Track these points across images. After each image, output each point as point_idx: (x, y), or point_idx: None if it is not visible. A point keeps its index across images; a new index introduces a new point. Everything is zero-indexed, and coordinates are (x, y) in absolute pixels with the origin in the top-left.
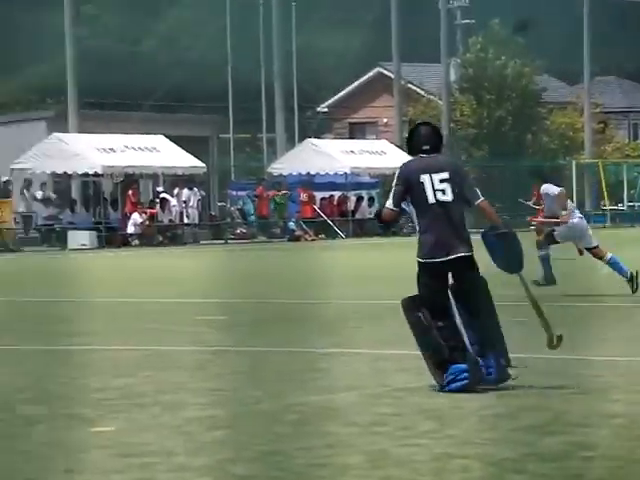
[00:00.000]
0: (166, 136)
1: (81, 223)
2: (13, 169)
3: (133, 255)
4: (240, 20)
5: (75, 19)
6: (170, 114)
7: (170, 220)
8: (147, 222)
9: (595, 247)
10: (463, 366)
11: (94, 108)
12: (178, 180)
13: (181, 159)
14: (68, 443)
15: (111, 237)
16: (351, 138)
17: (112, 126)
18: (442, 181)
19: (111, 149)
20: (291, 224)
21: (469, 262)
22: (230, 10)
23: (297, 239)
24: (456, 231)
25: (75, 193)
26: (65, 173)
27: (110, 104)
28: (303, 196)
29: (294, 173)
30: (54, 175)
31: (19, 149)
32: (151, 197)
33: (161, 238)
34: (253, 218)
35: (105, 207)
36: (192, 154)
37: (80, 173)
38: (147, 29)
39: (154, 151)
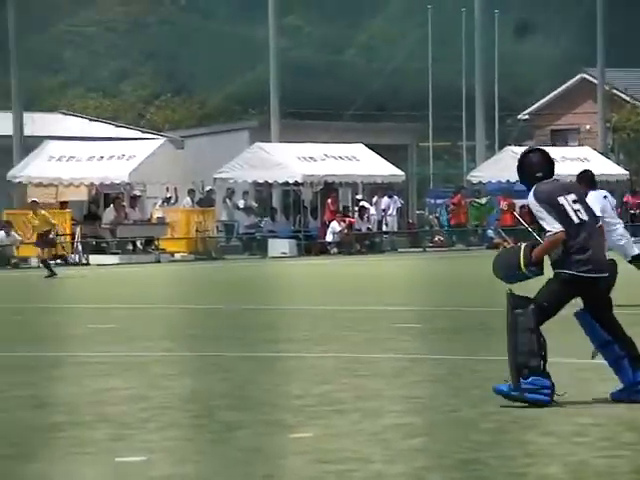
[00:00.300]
0: (366, 145)
1: (281, 231)
2: (216, 178)
3: (332, 263)
4: (441, 29)
5: (279, 30)
6: (370, 123)
7: (368, 228)
8: (346, 230)
9: None
10: (547, 382)
11: (295, 118)
12: (377, 188)
13: (380, 167)
14: (267, 449)
15: (310, 245)
16: (553, 145)
17: (312, 135)
18: (575, 202)
19: (311, 158)
20: (490, 232)
21: (608, 282)
22: (432, 19)
23: (496, 247)
24: (602, 250)
25: (276, 202)
26: (266, 182)
27: (311, 114)
28: (503, 204)
29: (493, 181)
30: (256, 184)
31: (222, 159)
32: (350, 205)
33: (359, 246)
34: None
35: (305, 215)
36: (391, 162)
37: (281, 182)
38: (349, 39)
39: (354, 160)
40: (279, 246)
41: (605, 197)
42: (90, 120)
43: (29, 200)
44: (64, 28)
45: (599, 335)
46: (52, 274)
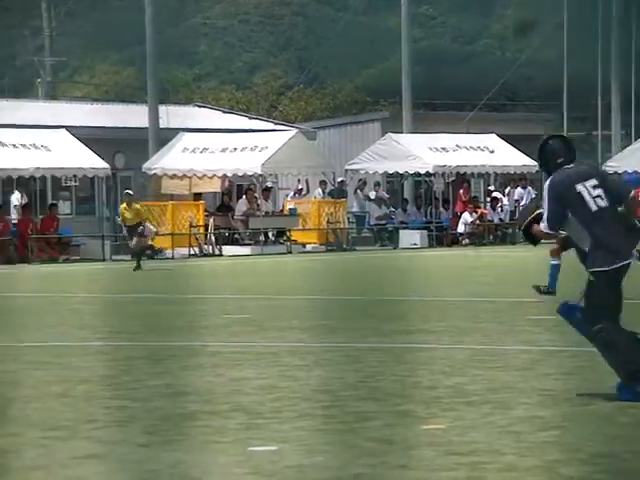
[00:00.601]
0: (498, 135)
1: (412, 222)
2: (347, 169)
3: (463, 254)
4: (578, 17)
5: (411, 20)
6: (502, 113)
7: (500, 219)
8: (477, 221)
9: None
10: None
11: (427, 108)
12: (510, 179)
13: (513, 158)
14: (399, 440)
15: (441, 236)
16: None
17: (444, 126)
18: (595, 187)
19: (443, 148)
20: None
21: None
22: (567, 7)
23: None
24: (624, 235)
25: (407, 193)
26: (397, 173)
27: (443, 104)
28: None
29: (630, 171)
30: (387, 175)
31: (354, 150)
32: (481, 196)
33: (491, 237)
34: None
35: (436, 206)
36: (524, 153)
37: (412, 173)
38: (482, 28)
39: (486, 150)
40: (410, 237)
41: None
42: (224, 112)
43: (125, 192)
44: (199, 21)
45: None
46: (138, 267)
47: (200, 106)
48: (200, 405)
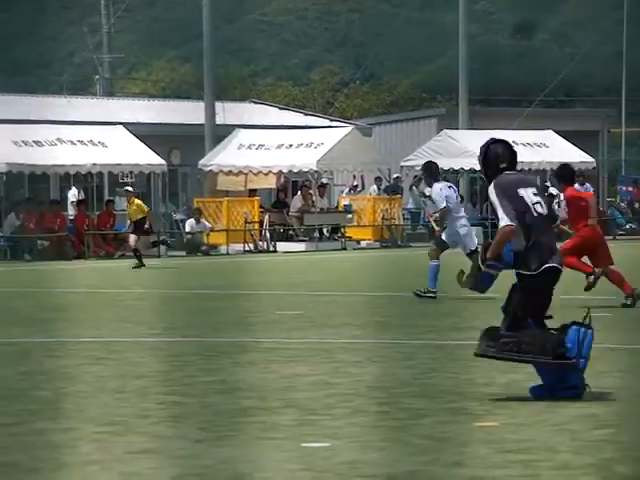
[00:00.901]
0: (555, 131)
1: (468, 219)
2: (403, 166)
3: None
4: (637, 12)
5: (469, 16)
6: (559, 109)
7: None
8: None
9: None
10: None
11: (484, 104)
12: None
13: (570, 154)
14: (452, 437)
15: (495, 233)
16: None
17: (501, 122)
18: (534, 195)
19: None
20: None
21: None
22: (627, 3)
23: None
24: (555, 247)
25: (462, 189)
26: (453, 169)
27: (500, 100)
28: None
29: None
30: (442, 171)
31: (410, 146)
32: None
33: None
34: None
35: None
36: (581, 149)
37: (467, 169)
38: (539, 24)
39: (543, 146)
40: None
41: (450, 187)
42: (280, 109)
43: (124, 189)
44: (256, 17)
45: None
46: (140, 265)
47: (256, 102)
48: (253, 401)
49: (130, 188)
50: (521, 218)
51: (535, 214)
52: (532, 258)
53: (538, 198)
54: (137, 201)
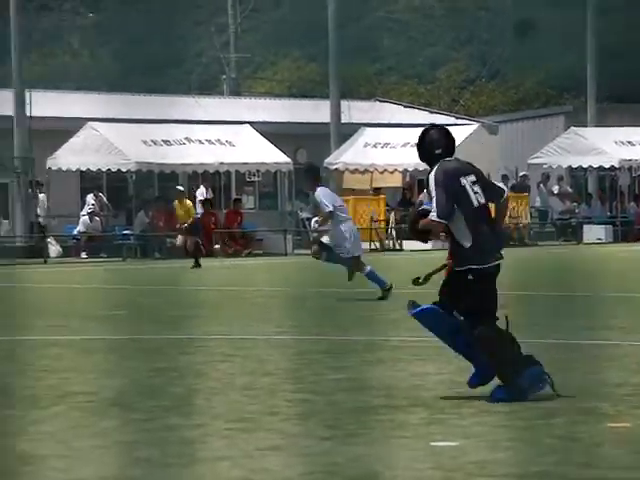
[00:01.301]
0: None
1: (597, 217)
2: (530, 164)
3: None
4: None
5: (595, 12)
6: None
7: None
8: None
9: None
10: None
11: (613, 101)
12: None
13: None
14: (584, 437)
15: (627, 231)
16: None
17: (631, 119)
18: (474, 183)
19: (629, 142)
20: None
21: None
22: None
23: None
24: (496, 236)
25: (591, 187)
26: (581, 167)
27: (630, 96)
28: None
29: None
30: (570, 169)
31: (537, 144)
32: None
33: None
34: None
35: (622, 201)
36: None
37: (596, 167)
38: None
39: None
40: (594, 232)
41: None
42: (405, 107)
43: (176, 188)
44: (383, 15)
45: (448, 324)
46: (197, 265)
47: (381, 101)
48: (381, 399)
49: (181, 187)
50: (463, 208)
51: (476, 204)
52: (475, 254)
53: (477, 187)
54: (188, 203)
